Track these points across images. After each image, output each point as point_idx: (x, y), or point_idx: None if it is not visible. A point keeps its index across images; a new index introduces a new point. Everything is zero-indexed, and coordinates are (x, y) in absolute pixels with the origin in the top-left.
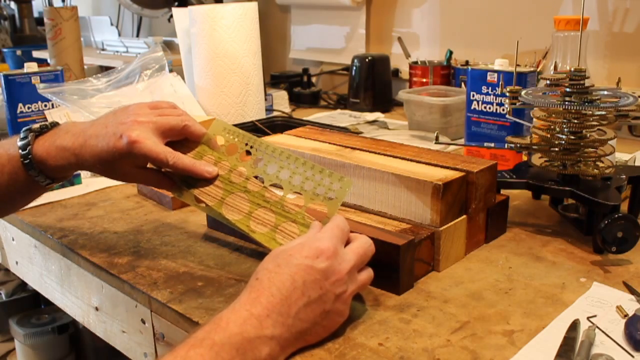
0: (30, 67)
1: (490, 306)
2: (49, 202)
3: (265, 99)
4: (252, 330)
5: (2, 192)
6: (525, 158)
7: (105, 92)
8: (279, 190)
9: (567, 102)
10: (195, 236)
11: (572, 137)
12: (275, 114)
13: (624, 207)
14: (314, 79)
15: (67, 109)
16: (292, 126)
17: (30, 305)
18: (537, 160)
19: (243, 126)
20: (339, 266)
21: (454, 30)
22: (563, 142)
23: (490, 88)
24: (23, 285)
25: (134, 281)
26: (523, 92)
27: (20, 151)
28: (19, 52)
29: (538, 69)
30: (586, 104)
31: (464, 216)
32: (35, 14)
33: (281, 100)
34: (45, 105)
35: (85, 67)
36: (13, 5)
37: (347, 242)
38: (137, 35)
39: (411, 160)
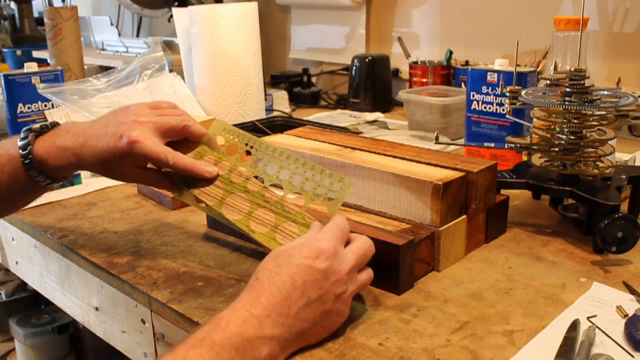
0: (30, 67)
1: (490, 306)
2: (49, 202)
3: (265, 99)
4: (252, 330)
5: (2, 192)
6: (525, 158)
7: (105, 92)
8: (279, 190)
9: (567, 102)
10: (195, 236)
11: (572, 137)
12: (275, 114)
13: (624, 207)
14: (314, 79)
15: (67, 109)
16: (292, 126)
17: (30, 305)
18: (537, 160)
19: (243, 126)
20: (338, 266)
21: (454, 30)
22: (563, 142)
23: (490, 88)
24: (23, 285)
25: (134, 281)
26: (523, 92)
27: (20, 151)
28: (19, 52)
29: (538, 69)
30: (586, 104)
31: (464, 216)
32: (35, 14)
33: (281, 100)
34: (45, 105)
35: (85, 67)
36: (13, 5)
37: (348, 243)
38: (137, 35)
39: (411, 160)
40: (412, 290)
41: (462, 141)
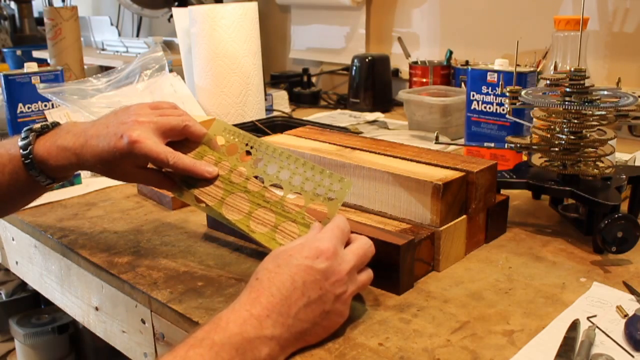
0: (30, 67)
1: (490, 306)
2: (49, 202)
3: (265, 99)
4: (252, 330)
5: (2, 192)
6: (525, 158)
7: (105, 92)
8: (279, 190)
9: (567, 102)
10: (195, 236)
11: (572, 137)
12: (275, 114)
13: (624, 207)
14: (314, 79)
15: (67, 109)
16: (292, 126)
17: (30, 305)
18: (537, 160)
19: (243, 126)
20: (338, 267)
21: (454, 30)
22: (563, 142)
23: (490, 88)
24: (23, 285)
25: (134, 281)
26: (523, 92)
27: (21, 151)
28: (19, 52)
29: (538, 69)
30: (586, 104)
31: (464, 216)
32: (35, 14)
33: (281, 100)
34: (45, 105)
35: (85, 67)
36: (13, 5)
37: (348, 243)
38: (137, 35)
39: (411, 160)
40: (412, 290)
41: (462, 141)
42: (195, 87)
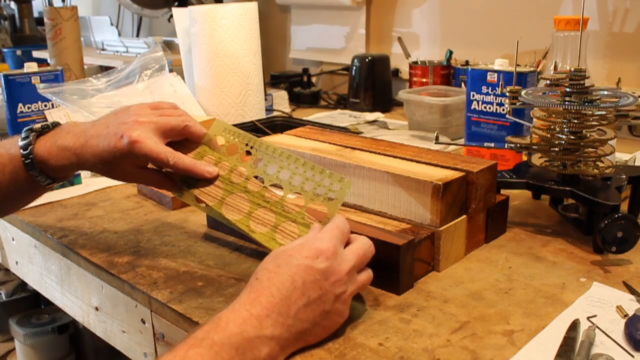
0: (30, 67)
1: (490, 306)
2: (49, 202)
3: (265, 99)
4: (252, 330)
5: (2, 192)
6: (525, 158)
7: (105, 92)
8: (279, 190)
9: (567, 102)
10: (195, 236)
11: (572, 137)
12: (275, 114)
13: (624, 207)
14: (314, 79)
15: (67, 109)
16: (292, 126)
17: (30, 305)
18: (537, 160)
19: (243, 126)
20: (338, 267)
21: (454, 30)
22: (563, 142)
23: (490, 88)
24: (23, 285)
25: (134, 281)
26: (523, 92)
27: (21, 151)
28: (19, 52)
29: (538, 69)
30: (586, 104)
31: (464, 216)
32: (35, 14)
33: (281, 100)
34: (45, 105)
35: (85, 67)
36: (13, 5)
37: (348, 243)
38: (137, 35)
39: (411, 160)
40: (412, 290)
41: (462, 141)
42: (195, 87)
